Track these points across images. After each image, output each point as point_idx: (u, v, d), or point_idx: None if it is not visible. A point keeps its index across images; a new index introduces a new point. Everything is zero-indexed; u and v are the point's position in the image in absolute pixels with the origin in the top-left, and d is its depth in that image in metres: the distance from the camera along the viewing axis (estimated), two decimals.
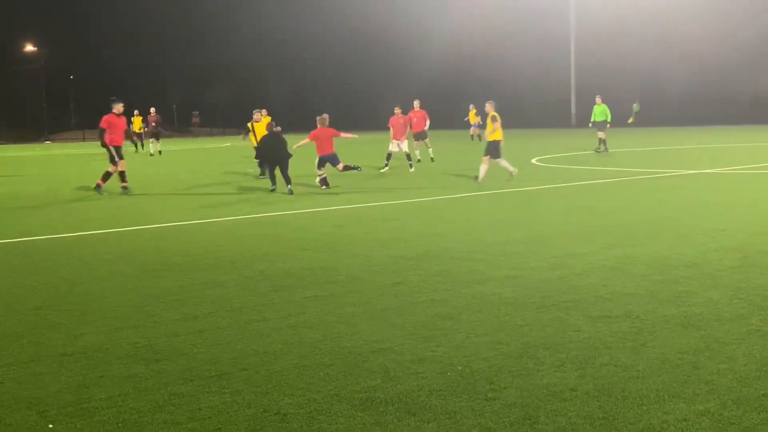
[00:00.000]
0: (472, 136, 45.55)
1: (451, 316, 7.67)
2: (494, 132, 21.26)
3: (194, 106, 68.18)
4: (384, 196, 18.74)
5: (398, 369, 6.14)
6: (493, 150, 21.29)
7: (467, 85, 69.69)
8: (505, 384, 5.73)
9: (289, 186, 19.70)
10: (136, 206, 17.77)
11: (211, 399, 5.58)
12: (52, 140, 59.21)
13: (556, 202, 16.85)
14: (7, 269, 10.67)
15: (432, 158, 30.23)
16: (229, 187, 21.98)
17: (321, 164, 20.79)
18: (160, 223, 14.89)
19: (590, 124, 35.67)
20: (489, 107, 21.60)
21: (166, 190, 21.53)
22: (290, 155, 20.19)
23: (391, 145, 26.50)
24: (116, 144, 20.60)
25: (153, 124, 41.80)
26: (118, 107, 20.55)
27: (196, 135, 55.68)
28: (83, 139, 56.66)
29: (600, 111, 35.01)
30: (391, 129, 26.49)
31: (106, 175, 20.72)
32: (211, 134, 59.80)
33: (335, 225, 14.28)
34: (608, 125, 34.78)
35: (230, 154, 40.82)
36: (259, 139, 23.19)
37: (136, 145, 44.95)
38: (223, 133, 62.28)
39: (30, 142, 53.69)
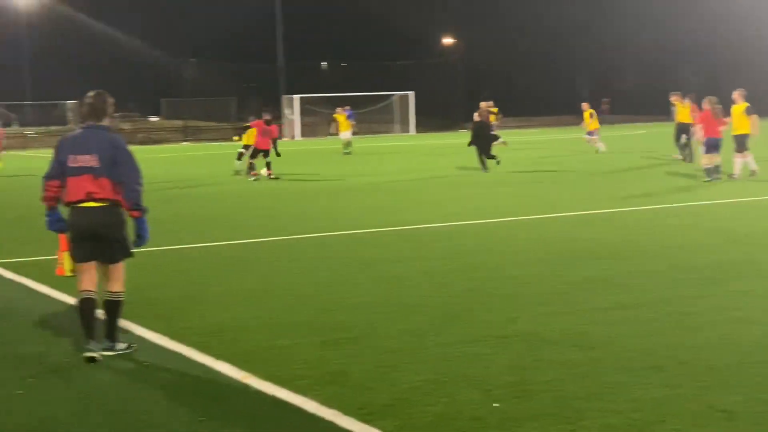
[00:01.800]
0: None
1: None
2: (745, 125, 19.21)
3: (604, 92, 67.50)
4: None
5: None
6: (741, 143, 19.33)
7: None
8: None
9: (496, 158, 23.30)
10: (541, 195, 17.67)
11: (650, 391, 5.48)
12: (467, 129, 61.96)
13: None
14: (431, 250, 11.18)
15: None
16: (642, 175, 21.42)
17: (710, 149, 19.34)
18: (570, 211, 14.84)
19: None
20: (737, 95, 19.55)
21: (567, 178, 21.44)
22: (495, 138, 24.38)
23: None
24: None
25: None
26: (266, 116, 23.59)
27: (611, 123, 54.58)
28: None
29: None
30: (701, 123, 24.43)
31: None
32: (617, 122, 58.62)
33: (761, 216, 13.43)
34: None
35: (648, 140, 38.90)
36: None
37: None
38: (633, 120, 60.93)
39: (447, 131, 56.69)
